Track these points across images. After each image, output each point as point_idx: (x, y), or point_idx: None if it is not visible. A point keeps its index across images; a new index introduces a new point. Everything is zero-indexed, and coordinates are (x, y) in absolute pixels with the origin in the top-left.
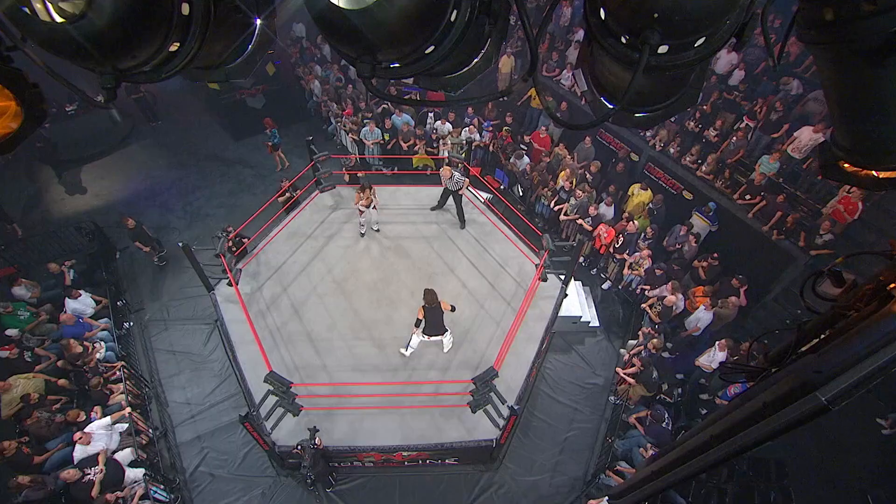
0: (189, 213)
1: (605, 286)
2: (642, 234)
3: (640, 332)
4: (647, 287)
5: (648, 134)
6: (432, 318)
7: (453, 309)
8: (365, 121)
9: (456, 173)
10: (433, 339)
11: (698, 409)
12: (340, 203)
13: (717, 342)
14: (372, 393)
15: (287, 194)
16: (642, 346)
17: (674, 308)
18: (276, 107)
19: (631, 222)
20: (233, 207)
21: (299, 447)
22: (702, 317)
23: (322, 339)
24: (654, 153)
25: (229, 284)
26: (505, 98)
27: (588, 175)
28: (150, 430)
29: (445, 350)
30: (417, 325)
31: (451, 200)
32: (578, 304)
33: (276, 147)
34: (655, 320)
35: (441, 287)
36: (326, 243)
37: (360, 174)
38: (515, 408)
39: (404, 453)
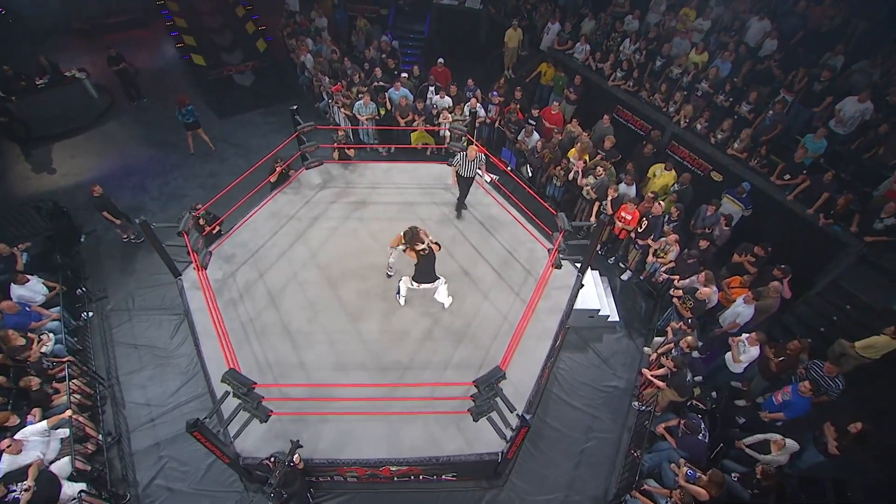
0: (165, 193)
1: (624, 276)
2: (667, 217)
3: (668, 329)
4: (676, 277)
5: (672, 109)
6: (426, 265)
7: (439, 247)
8: (359, 95)
9: (483, 157)
10: (423, 286)
11: (735, 418)
12: (328, 182)
13: (745, 335)
14: (356, 396)
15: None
16: (672, 345)
17: (707, 302)
18: (266, 84)
19: (657, 202)
20: (213, 188)
21: (273, 459)
22: (741, 311)
23: (301, 332)
24: (677, 130)
25: (199, 268)
26: (513, 74)
27: (600, 152)
28: (100, 437)
29: (447, 305)
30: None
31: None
32: (596, 295)
33: (190, 127)
34: (686, 315)
35: (441, 272)
36: (311, 225)
37: (350, 151)
38: (527, 417)
39: (393, 468)
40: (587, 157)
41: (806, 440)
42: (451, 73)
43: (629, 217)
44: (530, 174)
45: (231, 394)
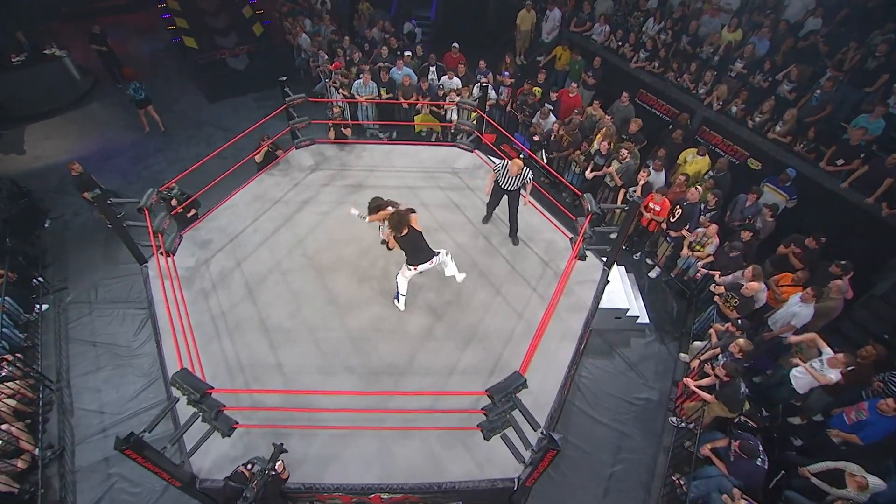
0: (144, 178)
1: (652, 274)
2: (703, 206)
3: (710, 331)
4: (716, 273)
5: (702, 91)
6: (413, 245)
7: (413, 212)
8: (359, 74)
9: (529, 170)
10: (423, 267)
11: (790, 438)
12: (321, 163)
13: (825, 356)
14: (342, 406)
15: (265, 150)
16: (718, 350)
17: (755, 300)
18: (261, 67)
19: (693, 188)
20: (198, 172)
21: (250, 465)
22: (798, 311)
23: (280, 328)
24: (709, 113)
25: (164, 253)
26: (524, 60)
27: (625, 137)
28: (37, 451)
29: (459, 279)
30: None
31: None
32: (624, 293)
33: (140, 104)
34: (731, 316)
35: (445, 264)
36: (299, 209)
37: (346, 130)
38: (556, 437)
39: (385, 495)
40: (613, 141)
41: (885, 470)
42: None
43: (658, 207)
44: (546, 159)
45: (189, 401)
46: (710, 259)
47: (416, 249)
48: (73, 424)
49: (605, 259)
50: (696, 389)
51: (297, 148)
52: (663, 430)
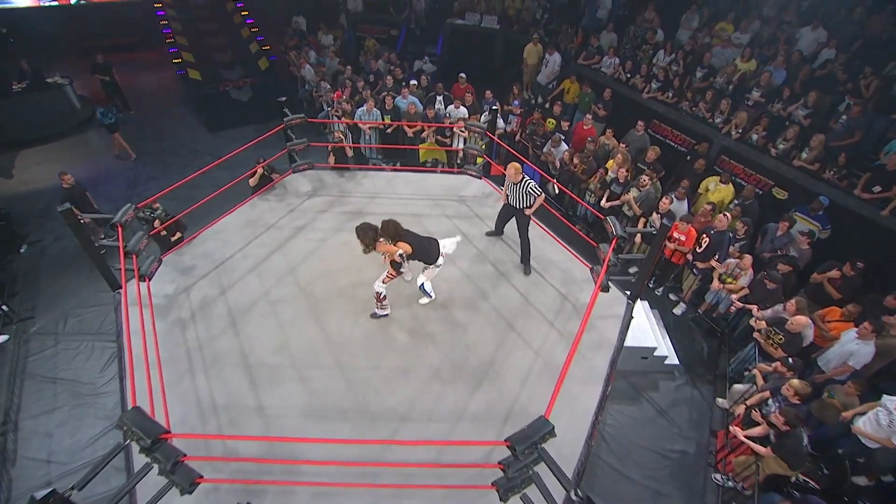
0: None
1: (677, 310)
2: (731, 235)
3: (754, 372)
4: (753, 306)
5: (719, 119)
6: (420, 244)
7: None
8: (364, 102)
9: (528, 179)
10: (443, 257)
11: (856, 502)
12: (319, 189)
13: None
14: (332, 458)
15: (260, 173)
16: (768, 393)
17: (802, 336)
18: (264, 98)
19: (722, 215)
20: (189, 200)
21: None
22: (856, 350)
23: (264, 364)
24: (728, 142)
25: (141, 279)
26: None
27: (641, 166)
28: None
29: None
30: (395, 267)
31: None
32: (650, 330)
33: (110, 129)
34: (777, 354)
35: (454, 297)
36: (294, 235)
37: (348, 151)
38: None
39: None
40: (629, 167)
41: None
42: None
43: (683, 237)
44: (556, 192)
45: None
46: (745, 292)
47: (425, 248)
48: (12, 476)
49: (629, 292)
50: (748, 441)
51: (294, 172)
52: (706, 490)
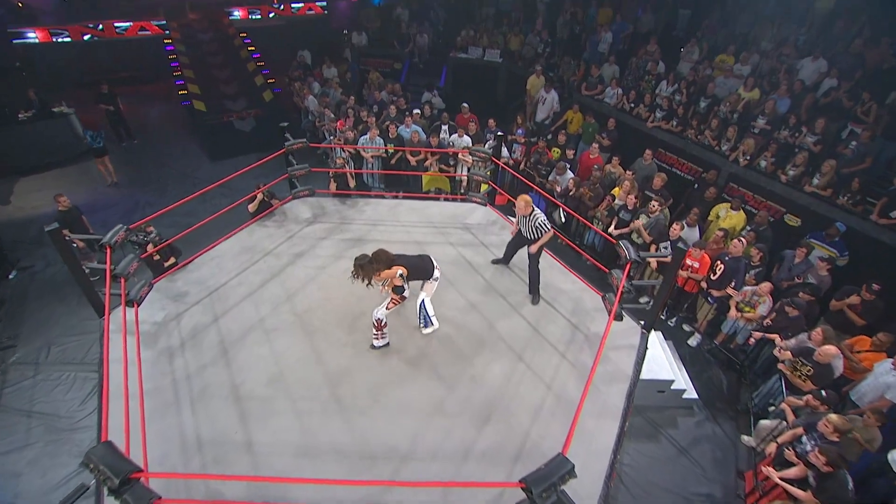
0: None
1: (692, 341)
2: (747, 262)
3: (782, 407)
4: (774, 336)
5: (725, 147)
6: (414, 263)
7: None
8: (367, 130)
9: (539, 212)
10: (438, 272)
11: None
12: (320, 216)
13: None
14: (328, 501)
15: (260, 199)
16: (801, 430)
17: (833, 367)
18: (267, 129)
19: (737, 240)
20: (186, 227)
21: None
22: (894, 382)
23: (255, 397)
24: (736, 169)
25: (129, 304)
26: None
27: (652, 194)
28: None
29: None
30: (397, 291)
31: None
32: (666, 362)
33: (97, 153)
34: (805, 387)
35: (459, 327)
36: (292, 262)
37: (350, 178)
38: None
39: None
40: (637, 194)
41: None
42: (477, 119)
43: (696, 264)
44: (563, 220)
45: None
46: (767, 321)
47: (419, 265)
48: None
49: (643, 322)
50: (783, 483)
51: (294, 198)
52: None
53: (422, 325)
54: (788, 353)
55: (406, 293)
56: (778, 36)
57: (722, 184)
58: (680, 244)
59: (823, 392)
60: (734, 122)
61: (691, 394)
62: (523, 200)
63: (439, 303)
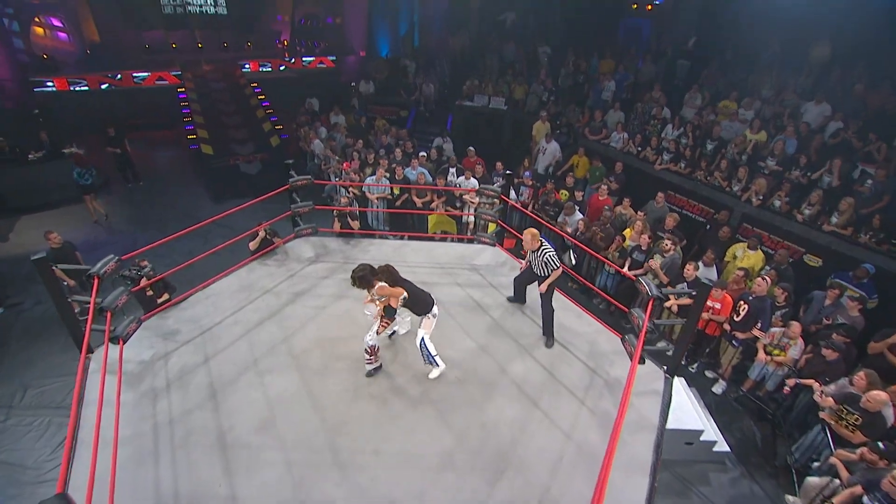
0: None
1: (717, 389)
2: (772, 302)
3: (830, 461)
4: (811, 382)
5: (736, 188)
6: (415, 292)
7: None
8: (373, 170)
9: (547, 246)
10: (436, 313)
11: None
12: (322, 255)
13: None
14: None
15: (261, 236)
16: (860, 488)
17: (884, 415)
18: (272, 172)
19: (760, 279)
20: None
21: None
22: None
23: (244, 445)
24: (749, 209)
25: (114, 341)
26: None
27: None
28: None
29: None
30: (389, 313)
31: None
32: (693, 410)
33: (85, 190)
34: (855, 439)
35: (468, 370)
36: (291, 301)
37: (354, 222)
38: None
39: None
40: (649, 234)
41: None
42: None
43: (717, 304)
44: (573, 261)
45: None
46: (801, 365)
47: (421, 297)
48: None
49: (665, 366)
50: None
51: (297, 236)
52: None
53: (426, 364)
54: (830, 400)
55: (398, 319)
56: (778, 83)
57: (735, 224)
58: (707, 280)
59: (881, 444)
60: (743, 163)
61: (722, 446)
62: (530, 234)
63: (447, 345)
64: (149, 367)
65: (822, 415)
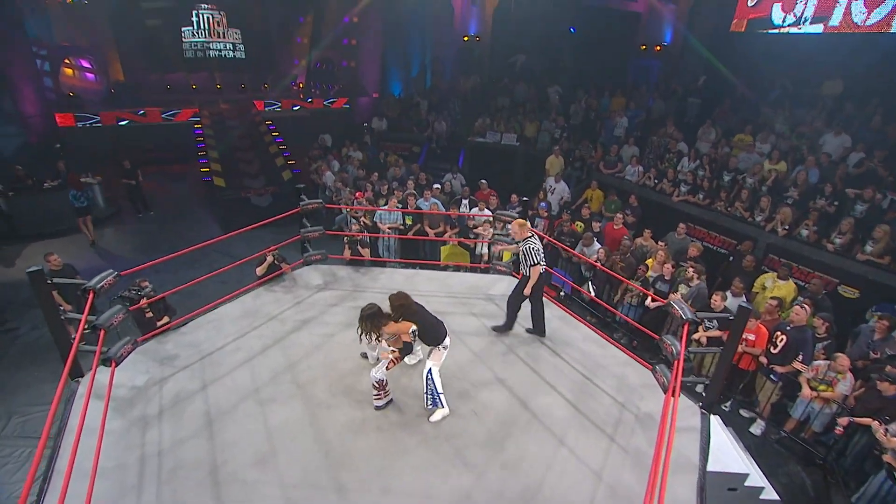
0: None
1: (755, 429)
2: (812, 333)
3: None
4: (869, 421)
5: (759, 217)
6: (427, 321)
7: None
8: (386, 201)
9: (533, 240)
10: (448, 345)
11: None
12: (331, 283)
13: None
14: None
15: (269, 261)
16: None
17: None
18: (283, 205)
19: (799, 307)
20: (190, 295)
21: None
22: None
23: (238, 480)
24: (774, 239)
25: (106, 363)
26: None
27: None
28: None
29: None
30: (405, 351)
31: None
32: (735, 451)
33: (79, 213)
34: None
35: (486, 404)
36: (298, 328)
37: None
38: None
39: None
40: (673, 265)
41: None
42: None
43: (751, 336)
44: (593, 292)
45: None
46: (851, 402)
47: (434, 326)
48: None
49: (700, 402)
50: None
51: (305, 262)
52: None
53: (428, 404)
54: (894, 440)
55: (414, 353)
56: (791, 119)
57: (759, 255)
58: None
59: None
60: (764, 193)
61: (770, 493)
62: (518, 224)
63: (462, 376)
64: (141, 392)
65: (886, 458)
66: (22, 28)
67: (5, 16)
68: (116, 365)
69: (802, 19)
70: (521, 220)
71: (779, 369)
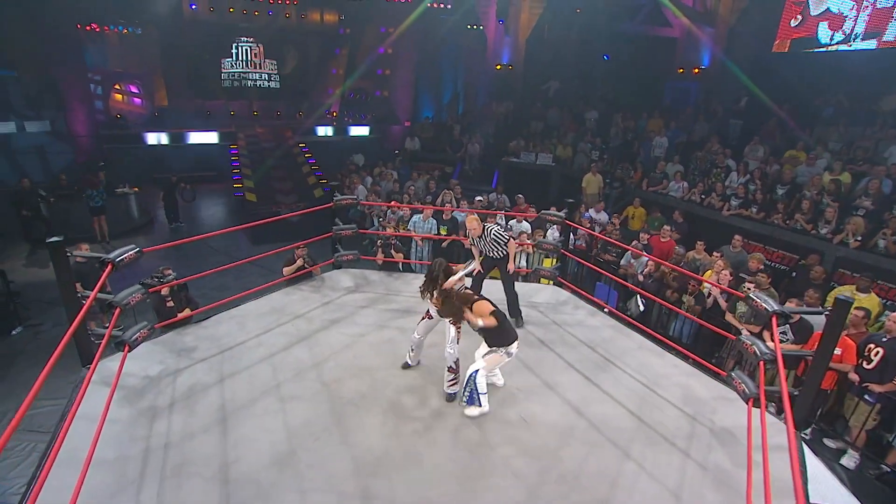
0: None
1: (847, 461)
2: None
3: None
4: None
5: (824, 230)
6: (505, 323)
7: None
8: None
9: (491, 226)
10: (513, 353)
11: None
12: (363, 286)
13: None
14: None
15: (298, 264)
16: None
17: None
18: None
19: (890, 319)
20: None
21: None
22: None
23: (251, 480)
24: (845, 252)
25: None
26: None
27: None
28: None
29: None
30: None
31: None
32: (836, 483)
33: (95, 212)
34: None
35: (536, 412)
36: (325, 327)
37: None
38: None
39: None
40: (732, 273)
41: None
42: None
43: (837, 350)
44: (642, 309)
45: None
46: None
47: (507, 326)
48: None
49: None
50: None
51: (336, 262)
52: None
53: (465, 400)
54: None
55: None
56: (845, 136)
57: (828, 269)
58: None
59: None
60: (826, 205)
61: None
62: (473, 219)
63: (509, 382)
64: (154, 382)
65: None
66: (82, 57)
67: (69, 47)
68: (130, 350)
69: (853, 36)
70: (473, 216)
71: (876, 388)
